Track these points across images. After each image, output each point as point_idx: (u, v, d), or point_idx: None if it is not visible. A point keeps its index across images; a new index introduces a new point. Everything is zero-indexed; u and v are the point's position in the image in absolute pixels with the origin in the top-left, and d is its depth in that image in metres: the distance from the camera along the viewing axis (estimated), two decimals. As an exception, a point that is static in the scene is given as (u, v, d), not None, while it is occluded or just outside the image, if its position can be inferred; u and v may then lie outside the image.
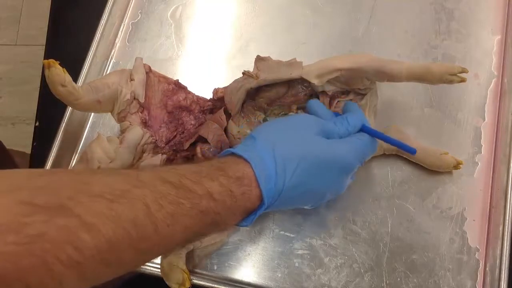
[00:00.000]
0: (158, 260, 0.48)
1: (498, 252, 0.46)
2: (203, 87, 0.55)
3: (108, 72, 0.62)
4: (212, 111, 0.53)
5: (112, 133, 0.58)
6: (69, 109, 0.57)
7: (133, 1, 0.65)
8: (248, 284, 0.50)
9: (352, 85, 0.50)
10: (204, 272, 0.50)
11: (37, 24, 1.50)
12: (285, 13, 0.62)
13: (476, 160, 0.52)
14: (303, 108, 0.52)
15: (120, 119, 0.51)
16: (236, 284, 0.49)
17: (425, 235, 0.49)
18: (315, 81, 0.49)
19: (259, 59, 0.51)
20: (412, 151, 0.45)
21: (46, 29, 0.68)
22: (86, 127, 0.60)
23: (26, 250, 0.27)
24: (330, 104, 0.52)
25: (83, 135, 0.59)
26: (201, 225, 0.37)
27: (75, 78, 0.55)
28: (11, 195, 0.29)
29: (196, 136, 0.51)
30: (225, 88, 0.52)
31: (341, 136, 0.44)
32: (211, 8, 0.64)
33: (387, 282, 0.48)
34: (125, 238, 0.31)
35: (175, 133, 0.52)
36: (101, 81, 0.50)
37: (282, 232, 0.51)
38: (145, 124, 0.51)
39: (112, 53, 0.63)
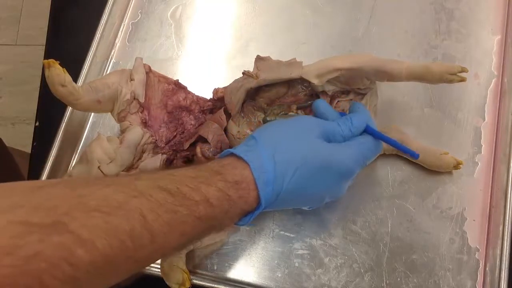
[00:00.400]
0: (158, 260, 0.48)
1: (498, 252, 0.46)
2: (203, 87, 0.55)
3: (108, 72, 0.62)
4: (212, 111, 0.53)
5: (112, 133, 0.58)
6: (69, 109, 0.57)
7: (133, 1, 0.65)
8: (248, 284, 0.50)
9: (352, 85, 0.50)
10: (204, 272, 0.50)
11: (37, 24, 1.50)
12: (285, 13, 0.62)
13: (476, 160, 0.52)
14: (303, 108, 0.52)
15: (120, 119, 0.51)
16: (236, 284, 0.49)
17: (425, 235, 0.49)
18: (315, 81, 0.49)
19: (259, 59, 0.51)
20: (415, 156, 0.45)
21: (46, 29, 0.68)
22: (86, 127, 0.60)
23: (22, 271, 0.27)
24: (330, 104, 0.52)
25: (83, 135, 0.59)
26: (198, 231, 0.37)
27: (75, 78, 0.55)
28: (7, 215, 0.29)
29: (196, 136, 0.51)
30: (225, 88, 0.52)
31: (344, 137, 0.44)
32: (211, 8, 0.64)
33: (387, 282, 0.48)
34: (121, 250, 0.32)
35: (175, 133, 0.52)
36: (101, 81, 0.50)
37: (282, 232, 0.51)
38: (145, 124, 0.51)
39: (112, 53, 0.63)
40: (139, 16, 0.65)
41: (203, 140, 0.51)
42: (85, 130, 0.60)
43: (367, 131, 0.45)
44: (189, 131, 0.52)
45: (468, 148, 0.52)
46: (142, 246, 0.33)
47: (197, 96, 0.54)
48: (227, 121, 0.51)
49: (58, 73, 0.47)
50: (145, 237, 0.33)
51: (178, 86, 0.54)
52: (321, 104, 0.48)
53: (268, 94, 0.52)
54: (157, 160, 0.50)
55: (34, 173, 0.58)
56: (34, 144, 0.62)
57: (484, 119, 0.53)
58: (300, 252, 0.50)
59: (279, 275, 0.50)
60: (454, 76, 0.46)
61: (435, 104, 0.54)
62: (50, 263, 0.28)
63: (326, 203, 0.46)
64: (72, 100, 0.48)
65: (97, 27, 0.61)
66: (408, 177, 0.52)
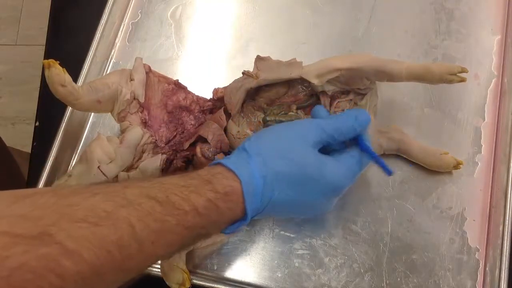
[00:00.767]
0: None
1: (498, 252, 0.46)
2: (203, 87, 0.55)
3: (108, 72, 0.62)
4: (212, 111, 0.53)
5: (112, 133, 0.58)
6: (69, 109, 0.57)
7: (133, 1, 0.65)
8: (248, 284, 0.50)
9: (352, 85, 0.50)
10: (204, 272, 0.50)
11: (37, 24, 1.50)
12: (285, 13, 0.62)
13: (476, 160, 0.52)
14: (303, 108, 0.52)
15: (120, 119, 0.51)
16: (236, 284, 0.49)
17: (425, 235, 0.49)
18: (315, 81, 0.49)
19: (259, 59, 0.51)
20: (389, 172, 0.44)
21: (46, 29, 0.68)
22: (86, 127, 0.60)
23: (7, 283, 0.27)
24: (330, 104, 0.52)
25: (83, 135, 0.59)
26: (185, 240, 0.37)
27: (75, 78, 0.55)
28: None
29: (196, 136, 0.51)
30: (225, 88, 0.52)
31: (344, 134, 0.43)
32: (211, 8, 0.64)
33: (387, 282, 0.48)
34: (108, 261, 0.31)
35: (175, 133, 0.52)
36: (101, 81, 0.50)
37: (282, 232, 0.51)
38: (145, 124, 0.51)
39: (112, 53, 0.63)
40: (139, 16, 0.65)
41: (203, 140, 0.51)
42: (85, 130, 0.60)
43: (357, 139, 0.45)
44: (189, 131, 0.52)
45: (468, 148, 0.52)
46: (130, 256, 0.33)
47: (197, 96, 0.54)
48: (227, 121, 0.51)
49: (58, 73, 0.47)
50: (132, 247, 0.33)
51: (178, 86, 0.54)
52: (320, 110, 0.48)
53: (268, 94, 0.52)
54: (157, 160, 0.50)
55: (34, 173, 0.58)
56: (34, 144, 0.62)
57: (484, 119, 0.53)
58: (300, 252, 0.50)
59: (279, 275, 0.50)
60: (454, 77, 0.46)
61: (435, 104, 0.54)
62: (36, 274, 0.28)
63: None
64: (72, 100, 0.48)
65: (97, 27, 0.61)
66: (408, 177, 0.52)
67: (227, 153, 0.50)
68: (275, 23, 0.62)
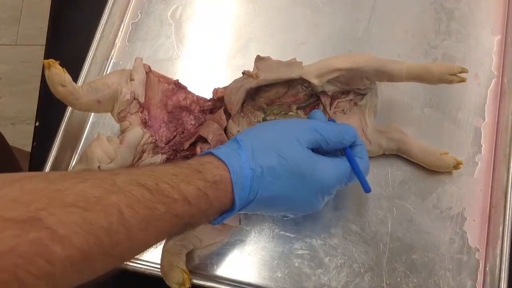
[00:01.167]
0: (158, 260, 0.48)
1: (498, 252, 0.46)
2: (203, 87, 0.55)
3: (108, 72, 0.62)
4: (212, 111, 0.53)
5: (112, 133, 0.58)
6: (69, 109, 0.57)
7: (133, 1, 0.65)
8: (248, 284, 0.50)
9: (352, 85, 0.50)
10: (204, 272, 0.50)
11: (37, 24, 1.50)
12: (285, 13, 0.62)
13: (476, 160, 0.52)
14: (303, 108, 0.52)
15: (120, 119, 0.51)
16: (236, 284, 0.49)
17: (425, 235, 0.49)
18: (315, 81, 0.49)
19: (259, 59, 0.51)
20: (367, 190, 0.44)
21: (46, 29, 0.68)
22: (86, 127, 0.60)
23: None
24: (330, 104, 0.52)
25: (83, 135, 0.59)
26: (174, 228, 0.37)
27: (75, 78, 0.55)
28: None
29: (196, 136, 0.51)
30: (225, 88, 0.52)
31: (332, 141, 0.44)
32: (211, 8, 0.64)
33: (387, 282, 0.48)
34: (98, 247, 0.32)
35: (175, 133, 0.52)
36: (101, 81, 0.50)
37: (282, 232, 0.51)
38: (145, 124, 0.51)
39: (112, 53, 0.63)
40: (139, 16, 0.65)
41: (203, 140, 0.51)
42: (85, 130, 0.60)
43: (346, 151, 0.45)
44: (189, 131, 0.52)
45: (468, 148, 0.52)
46: (119, 242, 0.33)
47: (197, 96, 0.54)
48: (227, 121, 0.51)
49: (58, 73, 0.47)
50: (122, 233, 0.33)
51: (178, 86, 0.54)
52: (318, 114, 0.48)
53: (268, 94, 0.52)
54: (157, 160, 0.51)
55: (34, 173, 0.58)
56: (34, 144, 0.62)
57: (484, 119, 0.53)
58: (300, 252, 0.50)
59: (279, 275, 0.50)
60: (454, 77, 0.46)
61: (435, 104, 0.54)
62: (26, 259, 0.28)
63: (326, 203, 0.46)
64: (72, 100, 0.48)
65: (97, 27, 0.61)
66: (408, 177, 0.52)
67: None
68: (275, 23, 0.62)
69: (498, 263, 0.46)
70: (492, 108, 0.54)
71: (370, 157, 0.51)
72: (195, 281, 0.48)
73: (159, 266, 0.48)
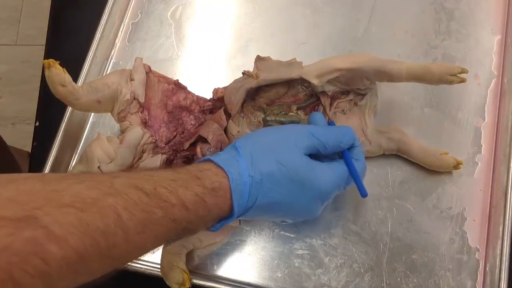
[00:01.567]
0: (158, 260, 0.48)
1: (498, 252, 0.46)
2: (203, 87, 0.55)
3: (108, 72, 0.62)
4: (212, 111, 0.53)
5: (112, 133, 0.58)
6: (69, 109, 0.57)
7: (133, 1, 0.65)
8: (248, 284, 0.50)
9: (352, 85, 0.50)
10: (204, 272, 0.50)
11: (37, 24, 1.50)
12: (285, 13, 0.62)
13: (476, 160, 0.52)
14: (303, 108, 0.52)
15: (120, 119, 0.51)
16: (236, 284, 0.49)
17: (425, 235, 0.49)
18: (315, 81, 0.49)
19: (259, 59, 0.51)
20: (364, 194, 0.44)
21: (46, 29, 0.68)
22: (86, 127, 0.60)
23: None
24: (330, 105, 0.52)
25: (83, 135, 0.59)
26: (172, 233, 0.37)
27: (75, 78, 0.55)
28: None
29: (196, 136, 0.51)
30: (225, 88, 0.52)
31: (330, 146, 0.44)
32: (211, 8, 0.64)
33: (387, 282, 0.48)
34: (94, 248, 0.31)
35: (175, 133, 0.52)
36: (101, 81, 0.50)
37: (282, 232, 0.51)
38: (145, 124, 0.51)
39: (112, 53, 0.63)
40: (139, 16, 0.65)
41: (203, 140, 0.51)
42: (85, 130, 0.60)
43: (344, 153, 0.45)
44: (189, 131, 0.52)
45: (468, 148, 0.52)
46: (115, 245, 0.33)
47: (197, 96, 0.54)
48: (227, 121, 0.51)
49: (58, 73, 0.47)
50: (119, 236, 0.33)
51: (178, 86, 0.54)
52: (317, 116, 0.48)
53: (268, 94, 0.52)
54: (157, 160, 0.51)
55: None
56: (34, 144, 0.62)
57: (484, 119, 0.53)
58: (300, 252, 0.50)
59: (279, 275, 0.50)
60: (454, 77, 0.46)
61: (435, 104, 0.54)
62: (21, 258, 0.28)
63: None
64: (72, 100, 0.48)
65: (97, 27, 0.61)
66: (408, 177, 0.52)
67: (227, 153, 0.50)
68: (275, 23, 0.62)
69: (498, 263, 0.46)
70: (492, 108, 0.54)
71: (370, 157, 0.52)
72: (195, 281, 0.48)
73: (159, 266, 0.48)
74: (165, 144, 0.52)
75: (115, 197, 0.33)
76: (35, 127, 0.63)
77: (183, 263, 0.47)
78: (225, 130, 0.51)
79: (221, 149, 0.50)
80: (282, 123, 0.50)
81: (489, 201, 0.50)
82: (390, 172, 0.52)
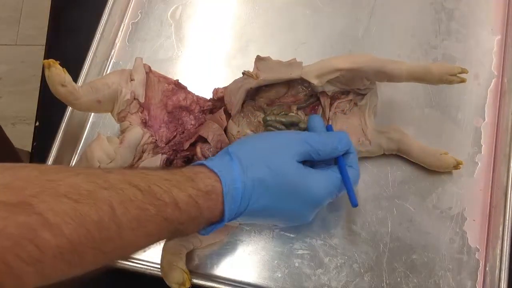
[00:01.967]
0: (158, 260, 0.48)
1: (498, 252, 0.46)
2: (203, 87, 0.55)
3: (108, 72, 0.62)
4: (212, 111, 0.53)
5: (112, 133, 0.58)
6: (69, 109, 0.57)
7: (133, 1, 0.65)
8: (248, 284, 0.50)
9: (352, 85, 0.50)
10: (204, 272, 0.50)
11: (37, 24, 1.50)
12: (285, 13, 0.62)
13: (476, 160, 0.52)
14: (303, 108, 0.52)
15: (120, 119, 0.51)
16: (236, 284, 0.49)
17: (425, 235, 0.49)
18: (315, 81, 0.49)
19: (259, 59, 0.51)
20: (354, 203, 0.44)
21: (46, 29, 0.68)
22: (86, 127, 0.60)
23: None
24: (330, 105, 0.52)
25: (83, 135, 0.59)
26: (164, 232, 0.37)
27: (75, 78, 0.55)
28: None
29: (196, 136, 0.51)
30: (225, 88, 0.52)
31: (326, 153, 0.44)
32: (211, 8, 0.64)
33: (387, 282, 0.48)
34: (88, 240, 0.31)
35: (175, 133, 0.52)
36: (101, 81, 0.50)
37: (282, 232, 0.51)
38: (145, 124, 0.51)
39: (112, 53, 0.63)
40: (139, 16, 0.65)
41: (203, 140, 0.51)
42: (85, 130, 0.60)
43: (338, 160, 0.45)
44: (189, 131, 0.52)
45: (468, 148, 0.52)
46: (109, 239, 0.33)
47: (197, 96, 0.54)
48: (227, 121, 0.51)
49: (58, 73, 0.47)
50: (112, 230, 0.33)
51: (178, 86, 0.54)
52: (316, 120, 0.48)
53: (268, 94, 0.52)
54: (157, 160, 0.50)
55: (34, 173, 0.58)
56: (34, 144, 0.62)
57: (484, 119, 0.53)
58: (300, 252, 0.50)
59: (279, 275, 0.50)
60: (454, 77, 0.46)
61: (435, 104, 0.54)
62: (14, 242, 0.28)
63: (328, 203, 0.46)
64: (72, 100, 0.48)
65: (97, 27, 0.61)
66: (408, 177, 0.52)
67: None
68: (275, 23, 0.62)
69: (498, 263, 0.46)
70: (492, 108, 0.54)
71: (370, 157, 0.52)
72: (195, 281, 0.48)
73: (159, 266, 0.48)
74: (165, 144, 0.52)
75: (110, 192, 0.33)
76: (35, 127, 0.63)
77: (183, 263, 0.47)
78: (225, 130, 0.51)
79: (221, 149, 0.50)
80: (282, 123, 0.50)
81: (489, 201, 0.50)
82: (390, 172, 0.52)
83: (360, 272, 0.49)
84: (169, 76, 0.55)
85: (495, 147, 0.52)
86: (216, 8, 0.64)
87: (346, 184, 0.44)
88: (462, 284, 0.47)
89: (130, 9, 0.65)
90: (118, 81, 0.50)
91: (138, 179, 0.36)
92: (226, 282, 0.49)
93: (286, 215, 0.43)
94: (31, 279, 0.30)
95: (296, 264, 0.50)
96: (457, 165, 0.50)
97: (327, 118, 0.51)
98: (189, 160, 0.52)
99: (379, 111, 0.53)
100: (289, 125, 0.50)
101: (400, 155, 0.52)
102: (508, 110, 0.52)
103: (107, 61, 0.62)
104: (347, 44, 0.59)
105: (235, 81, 0.51)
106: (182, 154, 0.52)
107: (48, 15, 0.69)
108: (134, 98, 0.51)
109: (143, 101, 0.51)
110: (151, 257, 0.51)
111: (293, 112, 0.52)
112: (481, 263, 0.48)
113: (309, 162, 0.45)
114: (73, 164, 0.58)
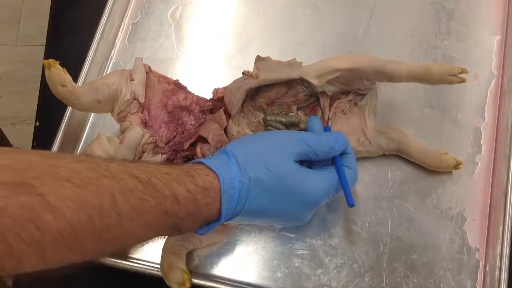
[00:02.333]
0: (158, 260, 0.48)
1: (498, 252, 0.46)
2: (203, 87, 0.55)
3: (108, 72, 0.62)
4: (212, 111, 0.53)
5: (112, 133, 0.58)
6: (69, 109, 0.57)
7: (133, 1, 0.65)
8: (248, 284, 0.50)
9: (352, 86, 0.50)
10: (204, 272, 0.50)
11: (37, 24, 1.50)
12: (285, 13, 0.62)
13: (476, 160, 0.52)
14: (303, 108, 0.52)
15: (120, 119, 0.51)
16: (236, 284, 0.49)
17: (425, 235, 0.49)
18: (314, 81, 0.49)
19: (259, 59, 0.51)
20: (350, 203, 0.44)
21: (46, 29, 0.68)
22: (86, 127, 0.60)
23: None
24: (330, 105, 0.52)
25: (83, 135, 0.59)
26: (162, 226, 0.37)
27: (75, 78, 0.55)
28: None
29: (196, 136, 0.51)
30: (225, 88, 0.52)
31: (323, 153, 0.44)
32: (211, 8, 0.64)
33: (387, 282, 0.48)
34: (88, 226, 0.31)
35: (175, 133, 0.52)
36: (101, 81, 0.50)
37: (282, 232, 0.51)
38: (145, 124, 0.51)
39: (112, 53, 0.63)
40: (139, 16, 0.65)
41: (203, 140, 0.51)
42: (85, 130, 0.60)
43: (335, 160, 0.45)
44: (189, 131, 0.52)
45: (468, 148, 0.52)
46: (109, 227, 0.33)
47: (197, 96, 0.54)
48: (227, 121, 0.51)
49: (58, 73, 0.47)
50: (112, 218, 0.33)
51: (178, 86, 0.54)
52: (315, 121, 0.49)
53: (268, 94, 0.52)
54: (157, 160, 0.51)
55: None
56: (34, 144, 0.62)
57: (484, 119, 0.53)
58: (300, 252, 0.50)
59: (279, 275, 0.50)
60: (454, 77, 0.46)
61: (435, 104, 0.54)
62: (15, 221, 0.28)
63: (326, 203, 0.46)
64: (72, 100, 0.48)
65: (97, 27, 0.61)
66: (408, 177, 0.52)
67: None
68: (275, 23, 0.62)
69: (498, 263, 0.46)
70: (492, 108, 0.54)
71: (370, 157, 0.52)
72: (195, 281, 0.48)
73: (159, 266, 0.48)
74: (165, 144, 0.52)
75: (110, 180, 0.33)
76: (35, 127, 0.63)
77: (183, 263, 0.47)
78: (225, 130, 0.51)
79: (221, 149, 0.50)
80: (282, 123, 0.50)
81: (489, 201, 0.50)
82: (390, 172, 0.52)
83: (360, 272, 0.49)
84: (169, 76, 0.55)
85: (495, 147, 0.52)
86: (216, 8, 0.64)
87: (342, 183, 0.45)
88: (462, 284, 0.47)
89: (130, 9, 0.65)
90: (118, 81, 0.50)
91: (139, 171, 0.36)
92: (226, 282, 0.49)
93: (283, 215, 0.43)
94: (31, 261, 0.29)
95: (296, 264, 0.50)
96: (457, 165, 0.50)
97: (327, 118, 0.51)
98: (189, 160, 0.52)
99: (379, 111, 0.53)
100: (289, 125, 0.50)
101: (400, 155, 0.52)
102: (508, 110, 0.52)
103: (107, 61, 0.62)
104: (347, 44, 0.59)
105: (235, 81, 0.51)
106: (182, 154, 0.52)
107: (48, 15, 0.69)
108: (134, 98, 0.51)
109: (143, 101, 0.51)
110: (151, 257, 0.51)
111: (293, 112, 0.52)
112: (481, 263, 0.48)
113: (307, 163, 0.45)
114: (73, 164, 0.58)
